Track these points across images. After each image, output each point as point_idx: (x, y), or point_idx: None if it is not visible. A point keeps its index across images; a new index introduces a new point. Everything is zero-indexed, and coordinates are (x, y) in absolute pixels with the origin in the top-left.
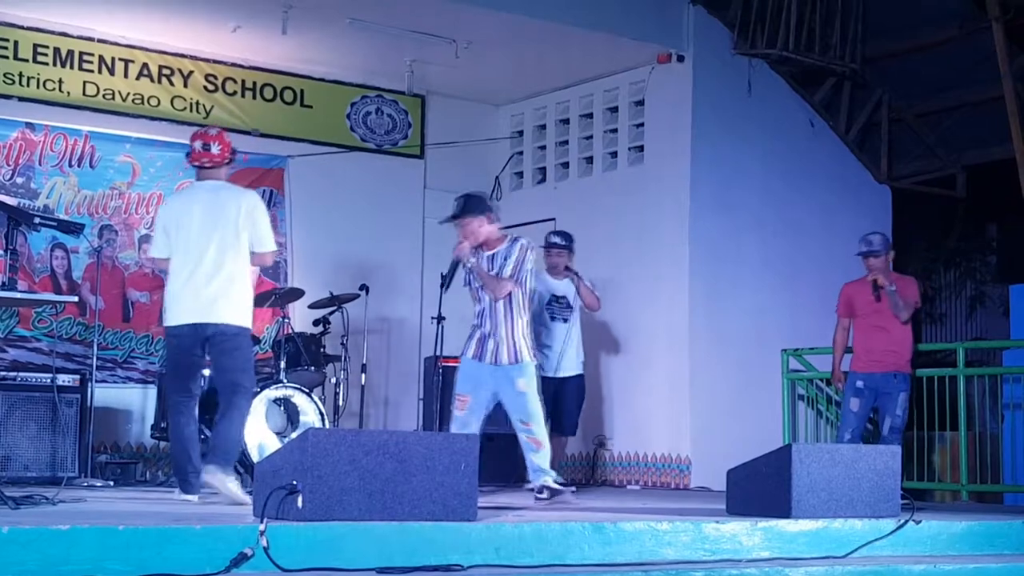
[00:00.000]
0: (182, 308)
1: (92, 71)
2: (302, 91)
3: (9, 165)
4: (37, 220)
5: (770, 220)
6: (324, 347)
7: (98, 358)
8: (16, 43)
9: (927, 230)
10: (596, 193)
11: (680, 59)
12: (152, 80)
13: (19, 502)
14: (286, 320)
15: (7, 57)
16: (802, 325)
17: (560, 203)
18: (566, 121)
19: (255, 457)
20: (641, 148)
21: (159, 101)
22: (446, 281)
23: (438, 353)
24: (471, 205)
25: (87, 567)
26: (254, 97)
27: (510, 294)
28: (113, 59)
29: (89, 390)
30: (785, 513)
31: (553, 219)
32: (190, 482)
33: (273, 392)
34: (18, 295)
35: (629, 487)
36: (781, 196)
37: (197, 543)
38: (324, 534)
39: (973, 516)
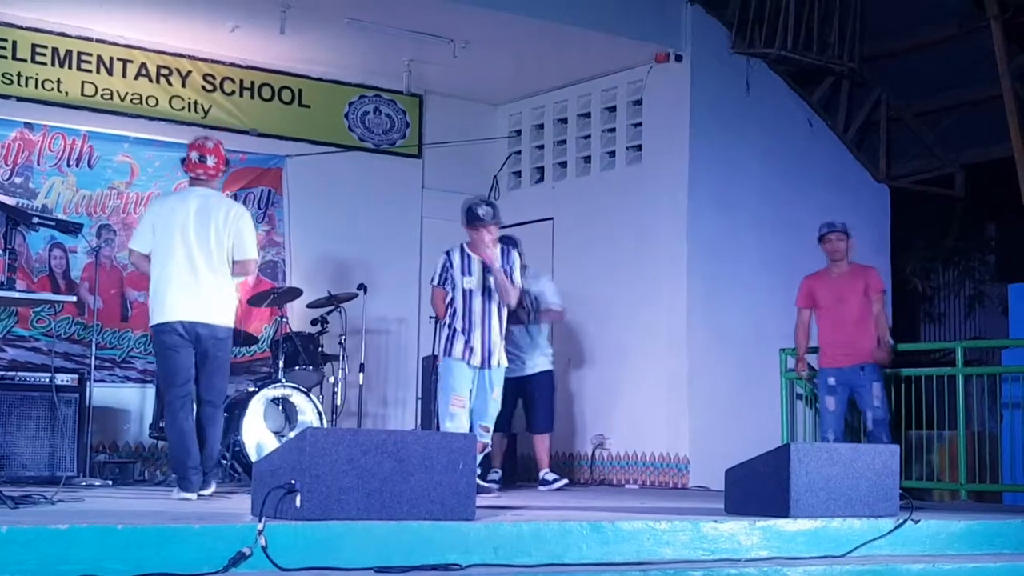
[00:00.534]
0: (174, 305)
1: (90, 71)
2: (300, 91)
3: (7, 165)
4: (36, 220)
5: (768, 219)
6: (322, 347)
7: (96, 357)
8: (14, 43)
9: (926, 229)
10: (594, 192)
11: (678, 58)
12: (150, 80)
13: (18, 501)
14: (284, 319)
15: (5, 57)
16: None
17: (558, 202)
18: (564, 120)
19: (253, 456)
20: (639, 147)
21: (157, 101)
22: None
23: (436, 352)
24: (498, 213)
25: (86, 566)
26: (252, 97)
27: (499, 298)
28: (111, 59)
29: (87, 389)
30: (784, 512)
31: (551, 219)
32: (190, 479)
33: (271, 391)
34: (16, 295)
35: (627, 486)
36: (779, 195)
37: (195, 542)
38: (322, 533)
39: (972, 515)
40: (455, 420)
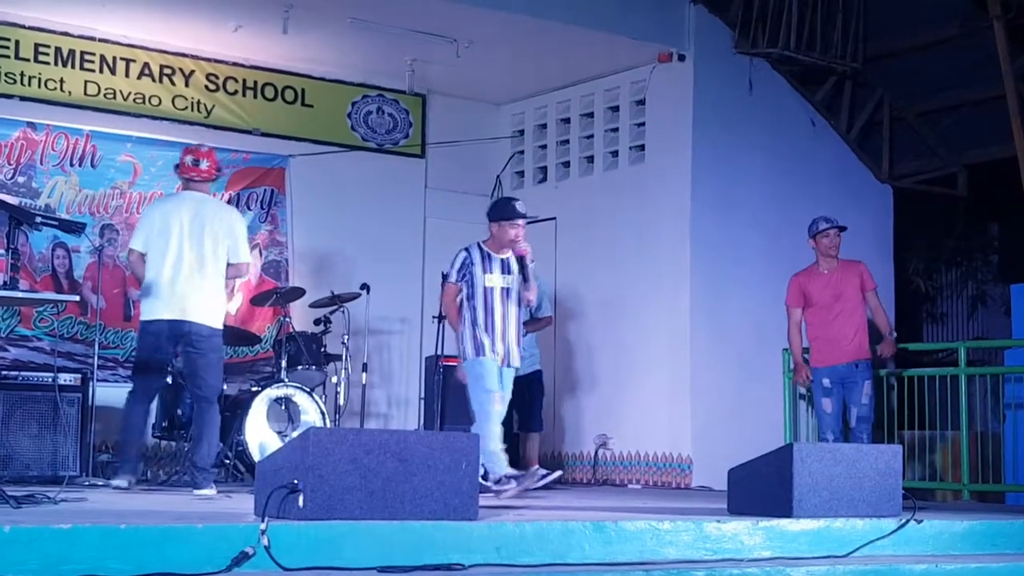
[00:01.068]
0: (160, 304)
1: (93, 71)
2: (303, 90)
3: (11, 164)
4: (38, 219)
5: (771, 219)
6: (325, 346)
7: (99, 357)
8: (17, 43)
9: (928, 229)
10: (597, 192)
11: (681, 58)
12: (153, 79)
13: (21, 501)
14: (287, 319)
15: (9, 57)
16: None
17: (561, 202)
18: (567, 120)
19: (256, 456)
20: (642, 147)
21: (160, 100)
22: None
23: (439, 352)
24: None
25: (88, 566)
26: (255, 96)
27: (520, 298)
28: (114, 59)
29: (90, 389)
30: (786, 512)
31: (554, 218)
32: (123, 467)
33: (274, 391)
34: (19, 294)
35: (630, 486)
36: (782, 195)
37: (198, 542)
38: (325, 533)
39: (975, 515)
40: (496, 416)
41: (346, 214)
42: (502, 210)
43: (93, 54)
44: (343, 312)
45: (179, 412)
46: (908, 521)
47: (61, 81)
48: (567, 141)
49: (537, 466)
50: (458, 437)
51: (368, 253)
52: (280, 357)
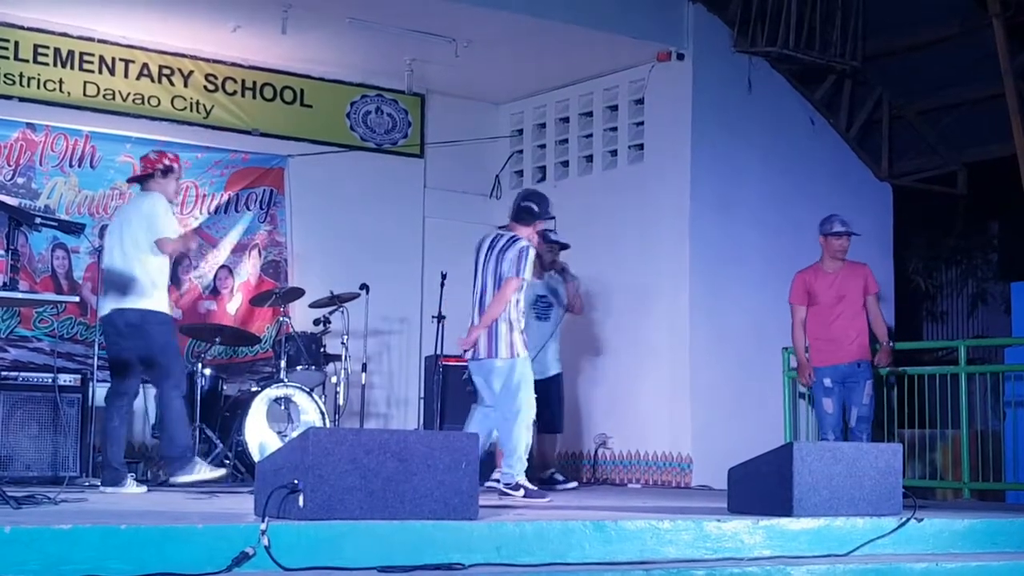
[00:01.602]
0: (105, 299)
1: (92, 71)
2: (302, 90)
3: (10, 165)
4: (38, 220)
5: (770, 218)
6: (324, 346)
7: (99, 358)
8: (17, 43)
9: (928, 228)
10: (596, 191)
11: (680, 57)
12: (152, 80)
13: (21, 502)
14: (286, 319)
15: (8, 58)
16: None
17: (560, 202)
18: (566, 119)
19: (256, 456)
20: (641, 146)
21: (159, 101)
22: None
23: (438, 352)
24: None
25: (89, 566)
26: (254, 97)
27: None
28: (113, 59)
29: (90, 390)
30: (787, 511)
31: (553, 218)
32: (107, 474)
33: (274, 391)
34: (19, 295)
35: (630, 486)
36: (782, 194)
37: (199, 542)
38: (325, 533)
39: (975, 514)
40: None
41: (345, 214)
42: (546, 207)
43: (92, 55)
44: (342, 312)
45: None
46: (908, 520)
47: (60, 82)
48: (566, 140)
49: (554, 470)
50: (458, 437)
51: (367, 253)
52: (280, 357)
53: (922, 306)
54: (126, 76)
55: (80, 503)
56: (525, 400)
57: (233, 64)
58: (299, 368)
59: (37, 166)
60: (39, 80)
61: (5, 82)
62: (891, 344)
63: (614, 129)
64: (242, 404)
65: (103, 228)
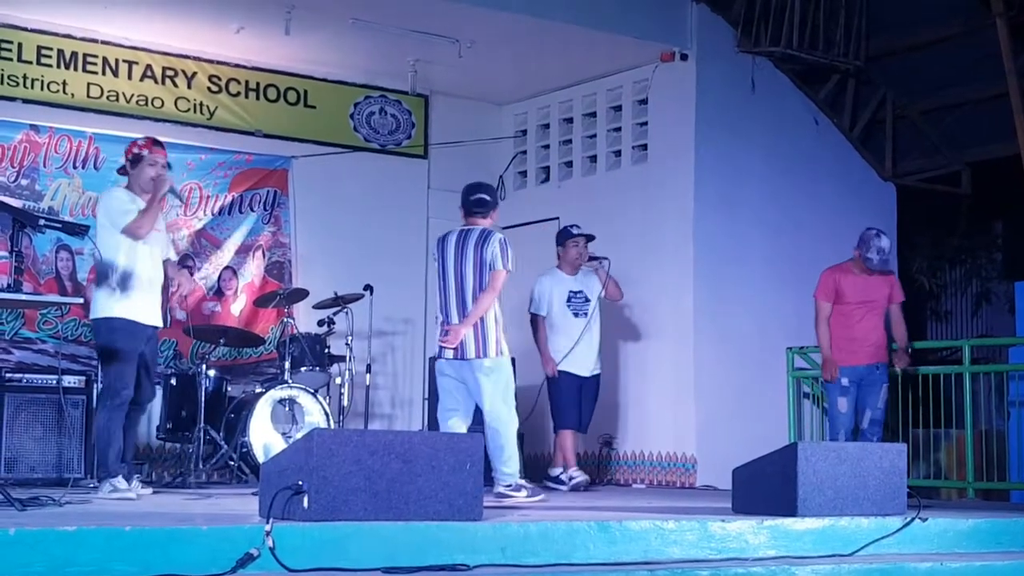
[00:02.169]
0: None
1: (96, 73)
2: (305, 91)
3: (14, 167)
4: (42, 222)
5: (774, 218)
6: (329, 347)
7: None
8: (20, 45)
9: (932, 227)
10: (600, 192)
11: (683, 57)
12: (156, 81)
13: (25, 503)
14: (291, 321)
15: (11, 59)
16: (807, 323)
17: (564, 202)
18: (569, 120)
19: (260, 458)
20: (645, 147)
21: (163, 102)
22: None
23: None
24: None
25: (94, 568)
26: (258, 98)
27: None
28: (117, 61)
29: (94, 391)
30: (791, 511)
31: (557, 218)
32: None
33: (278, 392)
34: (23, 297)
35: (635, 486)
36: (785, 194)
37: (203, 544)
38: (330, 534)
39: (979, 514)
40: None
41: (349, 215)
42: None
43: (95, 56)
44: (347, 313)
45: (183, 413)
46: (913, 519)
47: (64, 83)
48: (570, 141)
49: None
50: (462, 438)
51: (371, 254)
52: (284, 358)
53: (926, 306)
54: (130, 77)
55: (85, 505)
56: (512, 399)
57: (236, 65)
58: (303, 369)
59: (41, 168)
60: (43, 82)
61: (9, 84)
62: (910, 347)
63: (618, 129)
64: (246, 405)
65: None
